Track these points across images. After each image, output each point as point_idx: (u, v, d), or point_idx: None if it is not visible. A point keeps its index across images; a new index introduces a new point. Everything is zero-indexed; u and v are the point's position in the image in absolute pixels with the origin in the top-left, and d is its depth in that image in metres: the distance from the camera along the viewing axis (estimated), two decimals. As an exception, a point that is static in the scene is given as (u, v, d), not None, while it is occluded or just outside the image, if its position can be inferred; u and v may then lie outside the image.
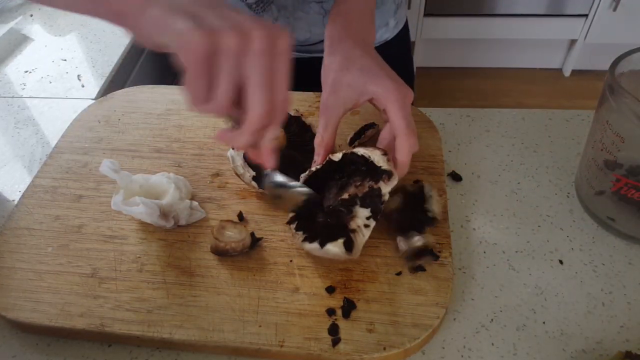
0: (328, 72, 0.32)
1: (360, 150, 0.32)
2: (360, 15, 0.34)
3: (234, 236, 0.32)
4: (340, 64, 0.32)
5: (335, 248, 0.29)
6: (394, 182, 0.31)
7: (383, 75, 0.31)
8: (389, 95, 0.30)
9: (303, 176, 0.33)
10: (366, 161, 0.32)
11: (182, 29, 0.21)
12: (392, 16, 0.50)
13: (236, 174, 0.35)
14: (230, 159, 0.35)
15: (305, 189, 0.31)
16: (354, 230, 0.30)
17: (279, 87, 0.23)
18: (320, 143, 0.33)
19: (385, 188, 0.31)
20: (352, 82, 0.31)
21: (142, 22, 0.23)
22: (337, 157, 0.33)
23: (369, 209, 0.31)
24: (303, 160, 0.35)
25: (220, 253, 0.32)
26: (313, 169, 0.33)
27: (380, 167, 0.31)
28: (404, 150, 0.30)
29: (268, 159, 0.26)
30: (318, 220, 0.31)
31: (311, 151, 0.36)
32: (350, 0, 0.35)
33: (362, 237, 0.30)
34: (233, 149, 0.35)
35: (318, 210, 0.32)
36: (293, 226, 0.32)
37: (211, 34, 0.21)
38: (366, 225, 0.30)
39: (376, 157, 0.31)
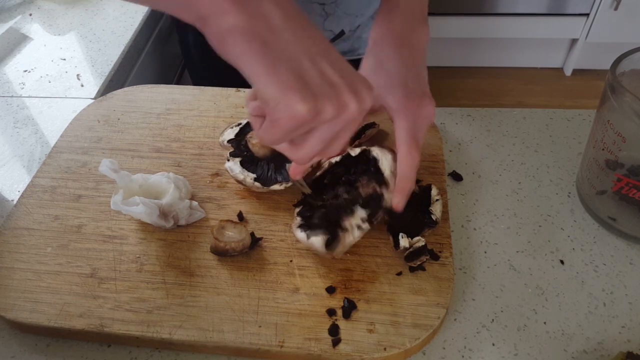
0: (362, 70, 0.32)
1: (374, 150, 0.32)
2: (407, 15, 0.33)
3: (233, 236, 0.32)
4: (370, 66, 0.32)
5: (316, 243, 0.29)
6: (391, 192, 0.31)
7: (402, 84, 0.30)
8: (398, 107, 0.30)
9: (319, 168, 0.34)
10: (376, 162, 0.32)
11: (285, 88, 0.19)
12: None
13: (237, 181, 0.35)
14: (229, 169, 0.35)
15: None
16: (345, 229, 0.30)
17: (341, 141, 0.23)
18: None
19: (387, 194, 0.31)
20: (375, 86, 0.31)
21: (228, 40, 0.19)
22: (355, 152, 0.33)
23: (366, 212, 0.31)
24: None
25: (220, 253, 0.32)
26: (333, 160, 0.33)
27: (382, 173, 0.31)
28: (402, 165, 0.30)
29: (295, 174, 0.28)
30: (320, 211, 0.32)
31: None
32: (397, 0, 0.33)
33: (352, 238, 0.30)
34: (229, 160, 0.35)
35: (324, 201, 0.33)
36: (297, 210, 0.32)
37: (315, 105, 0.20)
38: (359, 227, 0.31)
39: (384, 161, 0.32)
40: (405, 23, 0.33)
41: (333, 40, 0.48)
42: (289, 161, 0.36)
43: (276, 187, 0.34)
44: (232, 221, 0.33)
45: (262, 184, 0.34)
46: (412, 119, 0.30)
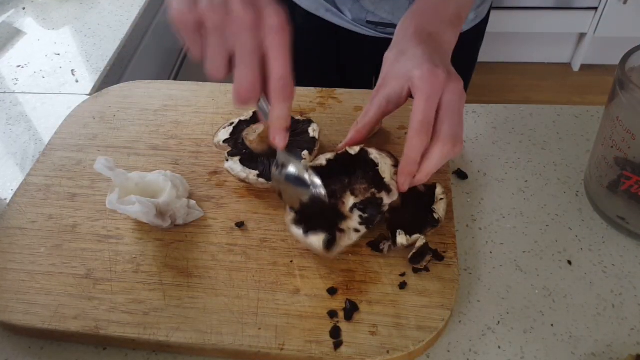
0: (383, 66, 0.32)
1: (373, 153, 0.32)
2: (434, 16, 0.32)
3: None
4: (394, 57, 0.31)
5: (315, 241, 0.29)
6: (393, 197, 0.30)
7: (427, 61, 0.29)
8: (420, 81, 0.28)
9: (313, 163, 0.33)
10: (373, 167, 0.31)
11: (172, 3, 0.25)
12: (474, 10, 0.49)
13: (240, 180, 0.34)
14: (230, 169, 0.35)
15: (317, 190, 0.30)
16: (342, 230, 0.30)
17: (272, 64, 0.24)
18: (352, 128, 0.33)
19: (387, 200, 0.30)
20: (399, 72, 0.30)
21: None
22: (354, 150, 0.33)
23: (365, 216, 0.30)
24: (294, 146, 0.35)
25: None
26: (329, 156, 0.33)
27: (383, 178, 0.31)
28: (407, 146, 0.28)
29: (275, 138, 0.27)
30: (313, 208, 0.31)
31: (299, 134, 0.36)
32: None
33: (348, 239, 0.30)
34: (228, 160, 0.35)
35: (318, 206, 0.32)
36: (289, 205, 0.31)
37: (194, 8, 0.24)
38: (356, 230, 0.30)
39: (384, 166, 0.31)
40: (431, 23, 0.32)
41: None
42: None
43: None
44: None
45: (265, 179, 0.34)
46: (434, 99, 0.28)
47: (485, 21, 0.54)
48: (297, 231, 0.30)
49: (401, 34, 0.32)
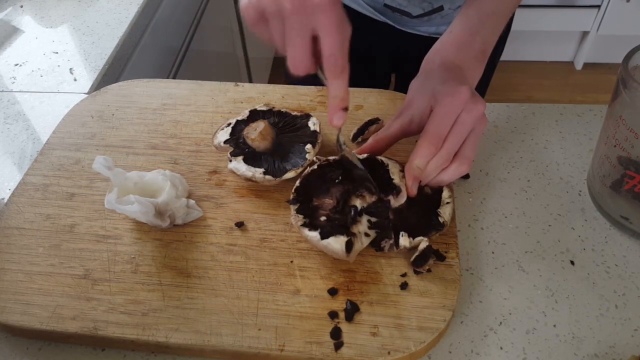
0: (408, 92, 0.33)
1: (382, 158, 0.32)
2: (462, 49, 0.33)
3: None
4: (420, 83, 0.32)
5: (336, 244, 0.28)
6: (401, 199, 0.30)
7: (453, 79, 0.30)
8: (442, 95, 0.28)
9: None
10: (383, 169, 0.31)
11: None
12: None
13: (246, 179, 0.34)
14: (235, 169, 0.34)
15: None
16: (354, 234, 0.30)
17: (322, 42, 0.24)
18: (372, 137, 0.33)
19: (394, 203, 0.30)
20: (425, 93, 0.31)
21: None
22: (362, 156, 0.33)
23: (373, 219, 0.30)
24: (295, 141, 0.35)
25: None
26: (327, 159, 0.33)
27: (392, 180, 0.31)
28: (414, 153, 0.28)
29: (332, 119, 0.27)
30: (320, 212, 0.31)
31: (298, 128, 0.36)
32: (456, 30, 0.33)
33: (360, 244, 0.30)
34: (231, 160, 0.34)
35: (327, 195, 0.32)
36: (294, 208, 0.31)
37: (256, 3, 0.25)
38: (366, 234, 0.30)
39: (394, 168, 0.31)
40: (457, 57, 0.33)
41: (429, 13, 0.46)
42: (291, 151, 0.35)
43: (289, 175, 0.33)
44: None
45: (272, 175, 0.33)
46: (452, 114, 0.28)
47: (508, 23, 0.53)
48: (313, 235, 0.29)
49: (428, 65, 0.33)
